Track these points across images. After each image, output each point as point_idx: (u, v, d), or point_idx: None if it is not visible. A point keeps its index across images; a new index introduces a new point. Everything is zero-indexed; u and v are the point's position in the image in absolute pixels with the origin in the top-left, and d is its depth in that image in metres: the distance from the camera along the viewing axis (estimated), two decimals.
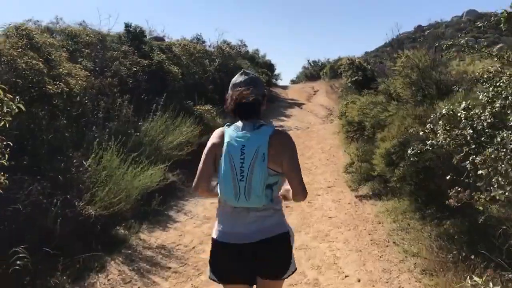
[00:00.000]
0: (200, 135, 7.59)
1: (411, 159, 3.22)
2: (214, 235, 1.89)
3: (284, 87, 24.91)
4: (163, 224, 4.88)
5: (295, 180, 1.82)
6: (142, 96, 8.94)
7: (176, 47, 11.78)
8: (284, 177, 1.88)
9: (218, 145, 1.84)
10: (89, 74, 6.87)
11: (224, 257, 1.86)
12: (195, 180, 1.88)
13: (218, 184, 1.83)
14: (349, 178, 6.46)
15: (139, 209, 4.64)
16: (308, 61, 32.67)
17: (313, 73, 30.28)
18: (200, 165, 1.87)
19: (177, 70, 9.26)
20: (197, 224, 4.86)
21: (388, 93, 6.37)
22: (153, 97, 8.69)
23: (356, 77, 16.56)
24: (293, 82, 33.13)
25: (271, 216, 1.86)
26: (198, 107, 8.47)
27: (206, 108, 8.49)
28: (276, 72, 25.79)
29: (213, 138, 1.91)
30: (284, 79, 35.27)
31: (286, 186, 1.93)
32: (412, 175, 3.75)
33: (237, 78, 1.95)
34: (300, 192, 1.84)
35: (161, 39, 14.21)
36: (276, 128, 1.86)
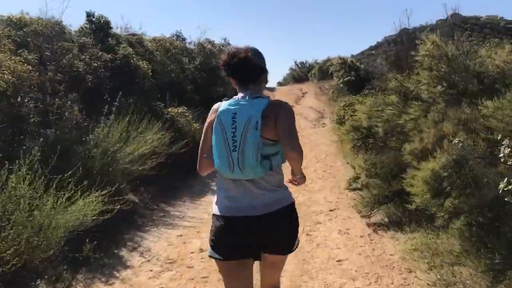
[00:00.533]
0: (171, 143, 6.22)
1: (506, 199, 1.94)
2: (215, 211, 1.80)
3: (271, 89, 23.61)
4: (107, 272, 3.49)
5: (287, 138, 1.69)
6: (104, 97, 7.59)
7: (149, 41, 10.38)
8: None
9: (213, 117, 1.76)
10: (32, 69, 5.48)
11: (226, 232, 1.74)
12: (198, 161, 1.84)
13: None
14: (356, 197, 5.17)
15: (67, 254, 3.24)
16: (295, 62, 31.57)
17: (300, 74, 29.20)
18: (201, 144, 1.83)
19: (146, 66, 7.85)
20: (154, 272, 3.47)
21: (401, 92, 5.10)
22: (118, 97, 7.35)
23: (349, 77, 15.42)
24: (280, 84, 32.09)
25: (275, 187, 1.77)
26: (169, 109, 7.08)
27: (179, 111, 7.10)
28: None
29: (210, 113, 1.84)
30: (271, 81, 34.08)
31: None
32: (472, 210, 2.46)
33: (233, 46, 1.86)
34: (291, 149, 1.69)
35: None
36: (271, 100, 1.77)
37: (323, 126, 13.11)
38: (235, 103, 1.71)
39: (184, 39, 16.59)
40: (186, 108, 7.46)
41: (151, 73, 8.19)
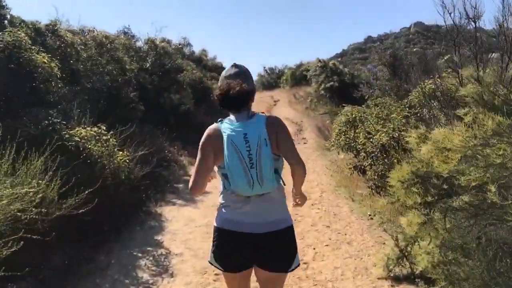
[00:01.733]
0: (62, 195, 3.40)
1: None
2: (218, 224, 1.86)
3: None
4: None
5: (291, 153, 1.83)
6: None
7: (69, 31, 7.54)
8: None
9: (215, 138, 1.80)
10: None
11: (230, 244, 1.83)
12: (193, 178, 1.80)
13: (225, 176, 1.79)
14: None
15: None
16: (264, 68, 29.25)
17: (270, 81, 26.85)
18: (198, 161, 1.81)
19: (46, 61, 5.04)
20: None
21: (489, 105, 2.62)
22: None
23: (332, 83, 13.00)
24: None
25: (280, 206, 1.87)
26: (77, 129, 4.27)
27: (91, 133, 4.30)
28: None
29: (207, 134, 1.85)
30: None
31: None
32: None
33: (228, 71, 1.97)
34: (297, 163, 1.82)
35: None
36: (267, 115, 1.88)
37: (304, 143, 10.63)
38: (240, 124, 1.77)
39: (133, 36, 13.70)
40: (105, 127, 4.64)
41: (59, 74, 5.37)
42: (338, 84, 12.50)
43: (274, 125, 1.81)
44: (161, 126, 9.41)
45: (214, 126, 1.84)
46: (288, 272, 1.90)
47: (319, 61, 13.85)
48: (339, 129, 5.58)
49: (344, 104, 11.65)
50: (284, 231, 1.81)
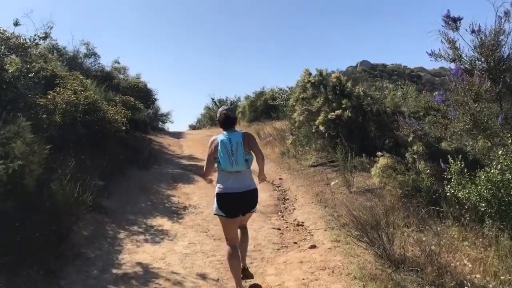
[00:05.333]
0: None
1: None
2: (218, 191, 3.38)
3: (177, 135, 14.79)
4: None
5: (257, 152, 3.47)
6: None
7: None
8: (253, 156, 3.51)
9: (214, 143, 3.39)
10: None
11: (226, 201, 3.36)
12: (205, 168, 3.51)
13: (218, 161, 3.37)
14: None
15: None
16: (213, 99, 23.38)
17: None
18: (206, 158, 3.49)
19: None
20: None
21: None
22: None
23: (338, 112, 7.18)
24: (193, 128, 23.74)
25: (249, 179, 3.43)
26: None
27: None
28: (162, 109, 15.68)
29: (211, 141, 3.44)
30: (180, 124, 25.33)
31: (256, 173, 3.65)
32: None
33: (223, 107, 3.62)
34: (260, 157, 3.51)
35: None
36: (243, 131, 3.49)
37: (310, 247, 4.56)
38: (227, 134, 3.38)
39: None
40: None
41: None
42: (351, 114, 6.75)
43: (247, 137, 3.41)
44: None
45: (214, 137, 3.44)
46: (252, 212, 3.56)
47: (309, 74, 7.99)
48: None
49: (380, 153, 5.80)
50: (252, 191, 3.39)
